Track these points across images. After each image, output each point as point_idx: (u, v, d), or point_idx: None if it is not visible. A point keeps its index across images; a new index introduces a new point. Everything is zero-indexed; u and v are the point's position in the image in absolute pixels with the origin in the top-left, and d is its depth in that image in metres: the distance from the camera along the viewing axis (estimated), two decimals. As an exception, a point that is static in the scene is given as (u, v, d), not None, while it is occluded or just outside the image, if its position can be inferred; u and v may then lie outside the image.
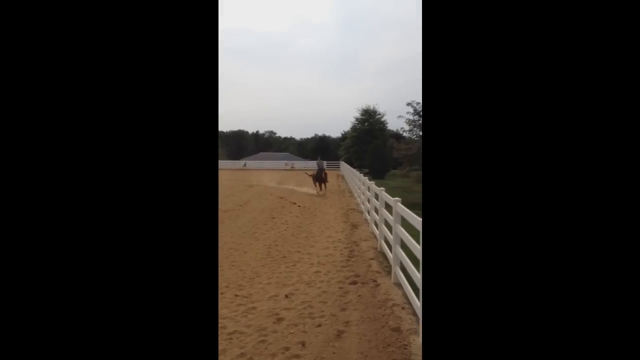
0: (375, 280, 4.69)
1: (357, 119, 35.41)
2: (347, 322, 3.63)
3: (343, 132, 45.87)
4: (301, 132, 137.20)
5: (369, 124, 34.44)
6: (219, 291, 4.53)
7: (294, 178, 22.86)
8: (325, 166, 16.39)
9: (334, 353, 3.07)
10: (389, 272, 4.92)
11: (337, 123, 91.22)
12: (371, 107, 35.16)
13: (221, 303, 4.15)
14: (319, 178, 15.35)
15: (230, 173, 27.57)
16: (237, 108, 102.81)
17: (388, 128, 34.78)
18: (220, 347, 3.13)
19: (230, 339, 3.31)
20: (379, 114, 35.00)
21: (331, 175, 27.70)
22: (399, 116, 18.59)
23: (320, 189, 15.37)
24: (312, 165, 42.39)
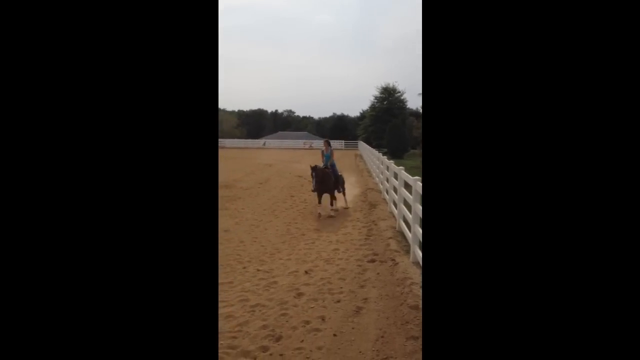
0: (393, 259, 4.73)
1: (376, 97, 34.92)
2: (366, 298, 3.70)
3: (362, 111, 45.43)
4: (319, 111, 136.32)
5: (388, 103, 33.89)
6: (242, 265, 4.69)
7: (311, 157, 22.89)
8: (332, 159, 8.22)
9: (352, 328, 3.15)
10: (407, 251, 4.95)
11: (355, 102, 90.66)
12: (390, 85, 34.51)
13: (244, 277, 4.29)
14: (320, 186, 7.46)
15: (250, 152, 27.80)
16: (256, 87, 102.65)
17: (408, 106, 34.16)
18: (243, 319, 3.27)
19: (253, 311, 3.44)
20: (399, 92, 34.39)
21: (349, 155, 27.44)
22: (419, 94, 18.12)
23: (331, 204, 7.70)
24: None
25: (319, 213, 7.49)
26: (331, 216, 7.45)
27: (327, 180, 7.63)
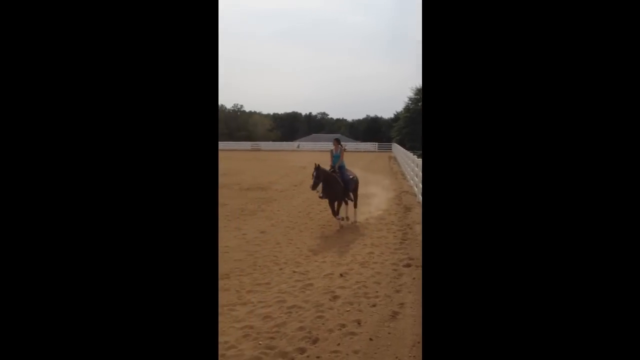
0: (430, 264, 4.65)
1: (410, 98, 34.46)
2: (402, 303, 3.67)
3: (396, 113, 44.90)
4: (353, 113, 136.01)
5: (424, 104, 33.32)
6: (279, 267, 4.78)
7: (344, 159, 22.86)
8: (342, 160, 7.16)
9: (389, 333, 3.14)
10: (444, 257, 4.85)
11: (389, 103, 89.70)
12: (426, 86, 33.90)
13: (280, 278, 4.37)
14: (327, 191, 6.59)
15: (284, 154, 28.20)
16: (291, 90, 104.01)
17: (444, 108, 33.47)
18: (280, 320, 3.33)
19: (290, 312, 3.50)
20: (435, 93, 33.73)
21: (382, 157, 27.09)
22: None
23: (338, 212, 6.79)
24: (362, 147, 40.89)
25: (341, 225, 6.73)
26: (344, 223, 6.81)
27: (333, 185, 6.59)
